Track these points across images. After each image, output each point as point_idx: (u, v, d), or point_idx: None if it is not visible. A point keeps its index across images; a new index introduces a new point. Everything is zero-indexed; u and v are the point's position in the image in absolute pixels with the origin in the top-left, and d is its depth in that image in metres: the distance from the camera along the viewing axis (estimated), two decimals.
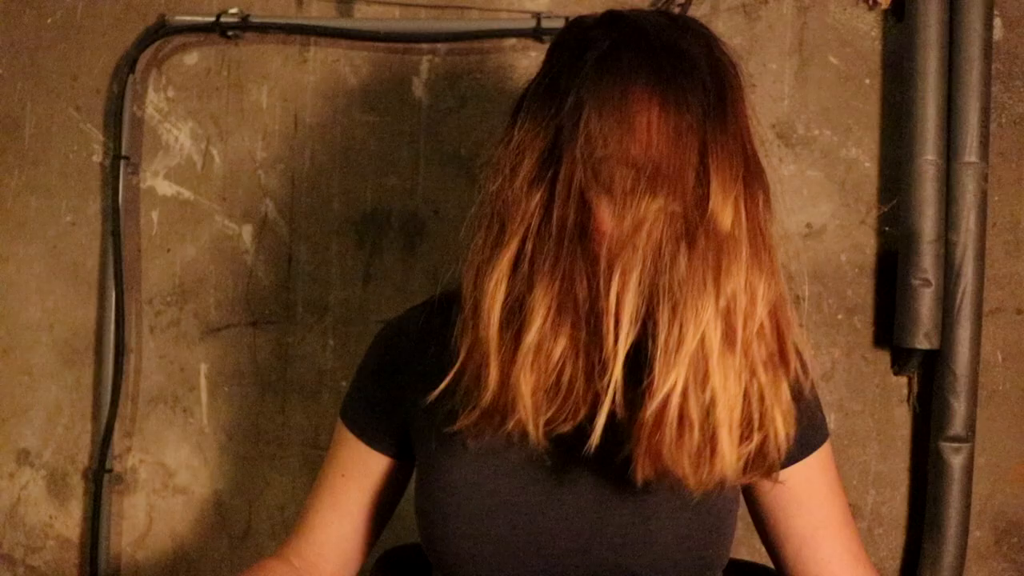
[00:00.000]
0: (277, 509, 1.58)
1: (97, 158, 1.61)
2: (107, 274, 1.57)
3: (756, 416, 0.89)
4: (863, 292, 1.48)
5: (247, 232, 1.58)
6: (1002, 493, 1.47)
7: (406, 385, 1.07)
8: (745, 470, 0.91)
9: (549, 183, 0.88)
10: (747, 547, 1.44)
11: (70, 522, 1.62)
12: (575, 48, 0.91)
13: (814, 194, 1.49)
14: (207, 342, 1.59)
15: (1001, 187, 1.47)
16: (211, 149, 1.59)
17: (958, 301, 1.40)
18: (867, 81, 1.49)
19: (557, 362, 0.88)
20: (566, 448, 0.97)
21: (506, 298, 0.89)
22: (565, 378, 0.89)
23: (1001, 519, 1.48)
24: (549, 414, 0.90)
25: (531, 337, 0.87)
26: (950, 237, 1.40)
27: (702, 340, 0.84)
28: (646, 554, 0.97)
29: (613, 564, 0.97)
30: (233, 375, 1.58)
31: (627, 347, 0.85)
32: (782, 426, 0.90)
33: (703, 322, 0.83)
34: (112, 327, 1.56)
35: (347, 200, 1.56)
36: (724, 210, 0.84)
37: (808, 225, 1.49)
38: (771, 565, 1.15)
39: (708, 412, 0.85)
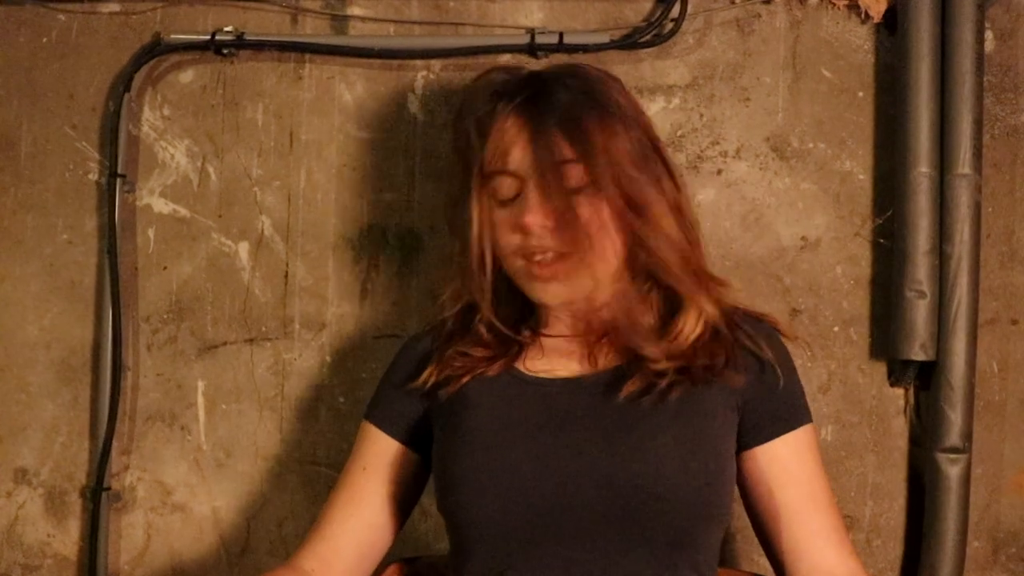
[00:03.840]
0: (275, 526, 1.58)
1: (93, 176, 1.61)
2: (104, 292, 1.57)
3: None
4: (859, 304, 1.49)
5: (243, 249, 1.58)
6: (999, 503, 1.47)
7: (427, 382, 1.16)
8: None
9: None
10: (747, 560, 1.44)
11: (68, 540, 1.62)
12: None
13: (809, 207, 1.49)
14: (204, 359, 1.59)
15: (994, 198, 1.47)
16: (207, 167, 1.59)
17: (953, 312, 1.40)
18: (860, 94, 1.49)
19: None
20: (570, 383, 1.10)
21: None
22: None
23: (999, 529, 1.48)
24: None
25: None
26: (944, 248, 1.41)
27: None
28: (652, 469, 1.02)
29: (623, 481, 1.02)
30: (230, 392, 1.58)
31: None
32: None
33: None
34: (109, 345, 1.56)
35: (343, 216, 1.56)
36: None
37: (803, 238, 1.50)
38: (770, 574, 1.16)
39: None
